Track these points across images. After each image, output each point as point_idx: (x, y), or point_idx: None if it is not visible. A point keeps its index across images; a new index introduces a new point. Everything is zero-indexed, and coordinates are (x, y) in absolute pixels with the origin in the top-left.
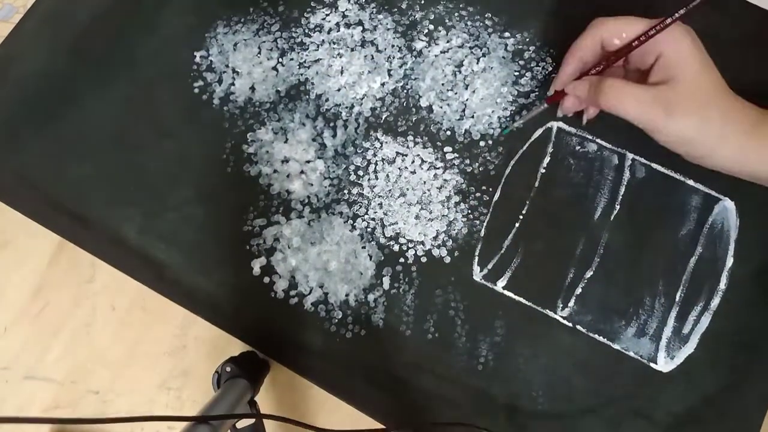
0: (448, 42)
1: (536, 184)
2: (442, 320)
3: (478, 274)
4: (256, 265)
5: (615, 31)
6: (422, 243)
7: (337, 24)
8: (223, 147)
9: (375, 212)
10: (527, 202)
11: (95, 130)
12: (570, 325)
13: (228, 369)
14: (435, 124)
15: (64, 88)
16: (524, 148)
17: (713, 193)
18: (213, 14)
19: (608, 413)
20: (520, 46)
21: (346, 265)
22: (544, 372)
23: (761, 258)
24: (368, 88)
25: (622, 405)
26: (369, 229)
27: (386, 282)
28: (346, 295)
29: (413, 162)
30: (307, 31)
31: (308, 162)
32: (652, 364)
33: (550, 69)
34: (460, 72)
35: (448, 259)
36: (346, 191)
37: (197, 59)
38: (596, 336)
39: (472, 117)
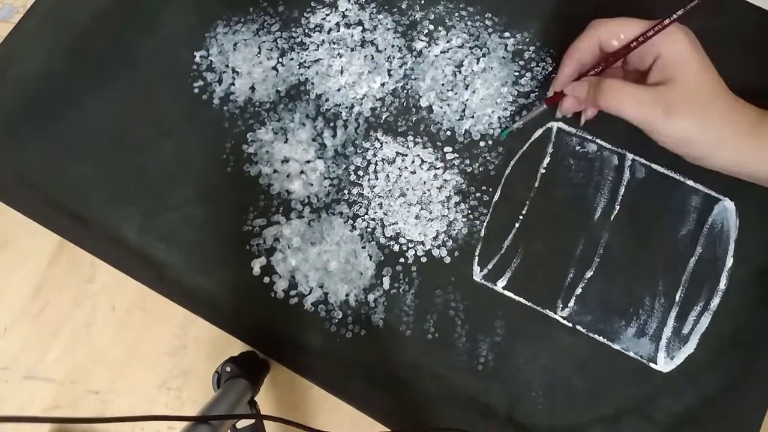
0: (448, 42)
1: (536, 185)
2: (442, 320)
3: (478, 274)
4: (256, 265)
5: (613, 32)
6: (422, 243)
7: (337, 24)
8: (223, 147)
9: (375, 212)
10: (527, 203)
11: (95, 130)
12: (570, 325)
13: (228, 369)
14: (435, 124)
15: (64, 88)
16: (524, 148)
17: (713, 193)
18: (213, 14)
19: (608, 413)
20: (520, 47)
21: (346, 265)
22: (544, 372)
23: (761, 258)
24: (368, 88)
25: (622, 405)
26: (369, 229)
27: (386, 282)
28: (346, 295)
29: (413, 162)
30: (307, 31)
31: (308, 162)
32: (652, 365)
33: (550, 69)
34: (460, 72)
35: (448, 259)
36: (346, 191)
37: (197, 59)
38: (596, 336)
39: (472, 117)
